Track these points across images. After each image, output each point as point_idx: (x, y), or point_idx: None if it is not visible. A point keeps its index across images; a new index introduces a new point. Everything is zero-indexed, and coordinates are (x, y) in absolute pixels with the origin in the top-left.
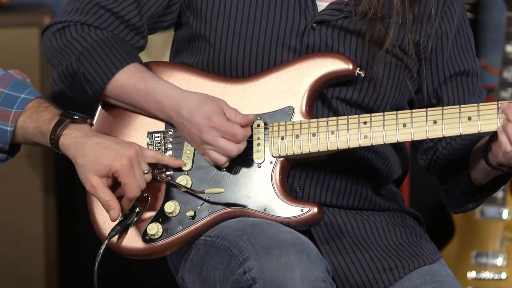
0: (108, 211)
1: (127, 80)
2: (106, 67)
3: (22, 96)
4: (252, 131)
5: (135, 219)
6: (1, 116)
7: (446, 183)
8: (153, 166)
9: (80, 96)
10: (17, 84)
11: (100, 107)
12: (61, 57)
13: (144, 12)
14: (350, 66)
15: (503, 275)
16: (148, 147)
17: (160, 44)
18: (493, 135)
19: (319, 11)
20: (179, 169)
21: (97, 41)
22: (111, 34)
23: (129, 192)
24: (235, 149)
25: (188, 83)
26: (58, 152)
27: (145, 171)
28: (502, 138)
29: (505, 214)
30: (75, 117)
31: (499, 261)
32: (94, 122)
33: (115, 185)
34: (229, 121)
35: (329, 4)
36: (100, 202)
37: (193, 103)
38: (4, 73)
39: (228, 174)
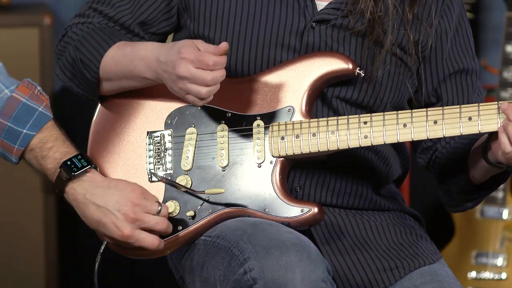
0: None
1: (116, 50)
2: (99, 46)
3: (24, 131)
4: (252, 131)
5: None
6: (6, 148)
7: (445, 182)
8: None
9: (84, 86)
10: (21, 114)
11: (99, 107)
12: (60, 56)
13: (137, 16)
14: (350, 66)
15: (503, 275)
16: (147, 147)
17: None
18: (492, 133)
19: (318, 10)
20: (179, 169)
21: (92, 29)
22: (105, 25)
23: (150, 247)
24: (210, 76)
25: None
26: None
27: (158, 209)
28: (503, 138)
29: (505, 214)
30: (72, 174)
31: (499, 261)
32: (93, 121)
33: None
34: (201, 51)
35: (328, 4)
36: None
37: (168, 47)
38: (8, 97)
39: (228, 174)
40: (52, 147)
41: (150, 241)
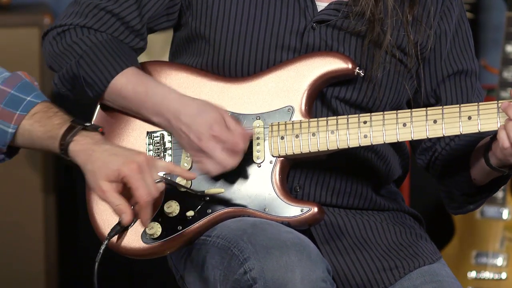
0: (120, 216)
1: (126, 83)
2: (106, 70)
3: (28, 98)
4: (252, 131)
5: (135, 219)
6: (4, 116)
7: (446, 184)
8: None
9: (83, 99)
10: (25, 86)
11: (98, 107)
12: (61, 60)
13: (145, 13)
14: (350, 66)
15: (503, 275)
16: (147, 147)
17: (160, 44)
18: (495, 135)
19: (318, 11)
20: None
21: (96, 44)
22: (111, 37)
23: (140, 197)
24: (232, 163)
25: (187, 83)
26: (66, 158)
27: (157, 180)
28: (501, 134)
29: (505, 214)
30: (86, 124)
31: (499, 261)
32: (93, 122)
33: (127, 192)
34: (231, 131)
35: (328, 4)
36: (111, 208)
37: (194, 110)
38: (11, 74)
39: (228, 174)
40: (58, 111)
41: (145, 190)
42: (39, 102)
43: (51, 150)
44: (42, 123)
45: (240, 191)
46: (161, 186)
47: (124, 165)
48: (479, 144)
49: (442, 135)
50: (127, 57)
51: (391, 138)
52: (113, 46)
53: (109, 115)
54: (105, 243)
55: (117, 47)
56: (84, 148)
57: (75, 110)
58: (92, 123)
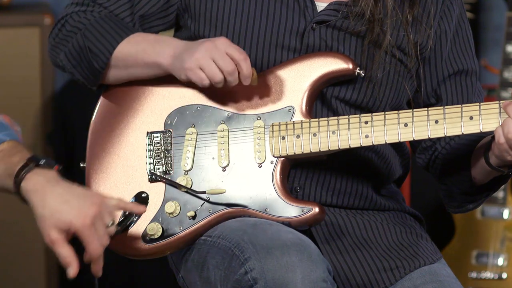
0: (66, 268)
1: (134, 39)
2: (111, 37)
3: None
4: (252, 131)
5: (136, 219)
6: None
7: (446, 183)
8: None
9: (87, 75)
10: None
11: (97, 108)
12: (64, 43)
13: (136, 11)
14: (350, 66)
15: (504, 275)
16: (147, 148)
17: None
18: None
19: (318, 11)
20: (179, 170)
21: (100, 17)
22: (111, 14)
23: (92, 251)
24: (232, 67)
25: (188, 83)
26: (22, 199)
27: (109, 224)
28: (498, 129)
29: (505, 214)
30: (40, 162)
31: (500, 261)
32: (92, 122)
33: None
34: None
35: (328, 5)
36: (59, 258)
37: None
38: None
39: (228, 174)
40: (22, 150)
41: (98, 246)
42: (7, 140)
43: (10, 190)
44: (4, 161)
45: (241, 192)
46: (112, 229)
47: (76, 218)
48: (479, 143)
49: (443, 135)
50: (130, 27)
51: (392, 138)
52: (114, 19)
53: (109, 116)
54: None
55: (118, 20)
56: (36, 189)
57: (74, 111)
58: (49, 159)
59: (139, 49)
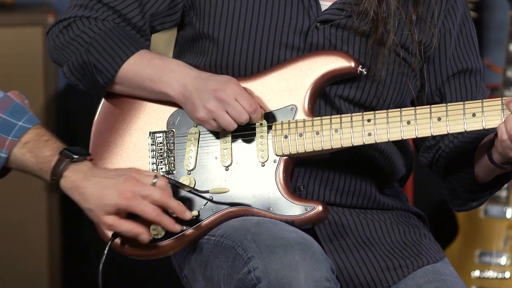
0: (138, 238)
1: (140, 59)
2: (116, 55)
3: (20, 123)
4: (255, 130)
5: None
6: None
7: (449, 180)
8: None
9: (92, 88)
10: (16, 109)
11: (100, 108)
12: (68, 51)
13: (146, 10)
14: (352, 64)
15: (507, 274)
16: (150, 148)
17: (163, 44)
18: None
19: (322, 10)
20: (182, 169)
21: (104, 31)
22: (117, 25)
23: (149, 216)
24: (245, 116)
25: None
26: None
27: (153, 181)
28: (501, 126)
29: (508, 213)
30: (74, 156)
31: (503, 260)
32: (95, 122)
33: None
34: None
35: (332, 4)
36: (126, 235)
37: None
38: (3, 96)
39: (231, 173)
40: (49, 139)
41: (151, 208)
42: (30, 128)
43: (46, 181)
44: (33, 154)
45: (244, 191)
46: (160, 181)
47: (119, 198)
48: (483, 140)
49: (446, 133)
50: (136, 41)
51: (395, 136)
52: (121, 32)
53: (111, 116)
54: (109, 244)
55: (125, 33)
56: (75, 186)
57: (77, 111)
58: (80, 150)
59: (145, 75)
